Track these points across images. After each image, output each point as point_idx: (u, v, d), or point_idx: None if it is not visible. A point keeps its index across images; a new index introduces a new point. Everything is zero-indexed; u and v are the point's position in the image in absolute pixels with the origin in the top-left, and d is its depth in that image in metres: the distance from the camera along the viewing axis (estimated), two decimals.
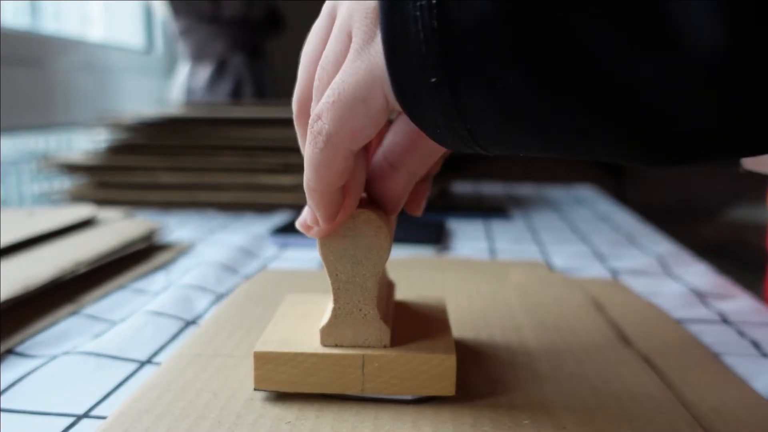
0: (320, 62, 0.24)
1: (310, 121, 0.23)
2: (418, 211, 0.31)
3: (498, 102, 0.19)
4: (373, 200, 0.28)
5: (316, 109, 0.23)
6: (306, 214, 0.27)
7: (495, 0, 0.17)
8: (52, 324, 0.38)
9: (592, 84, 0.17)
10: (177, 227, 0.68)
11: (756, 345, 0.37)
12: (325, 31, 0.25)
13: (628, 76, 0.16)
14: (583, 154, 0.20)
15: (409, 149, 0.26)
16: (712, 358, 0.34)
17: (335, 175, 0.24)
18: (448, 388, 0.27)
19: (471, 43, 0.18)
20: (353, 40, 0.22)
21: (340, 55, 0.23)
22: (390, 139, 0.27)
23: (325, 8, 0.25)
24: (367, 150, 0.27)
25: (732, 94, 0.16)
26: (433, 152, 0.27)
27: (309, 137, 0.23)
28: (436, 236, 0.63)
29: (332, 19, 0.25)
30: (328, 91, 0.22)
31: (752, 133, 0.17)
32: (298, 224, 0.27)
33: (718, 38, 0.15)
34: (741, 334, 0.38)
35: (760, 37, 0.15)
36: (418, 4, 0.18)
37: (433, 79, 0.19)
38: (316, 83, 0.24)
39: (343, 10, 0.23)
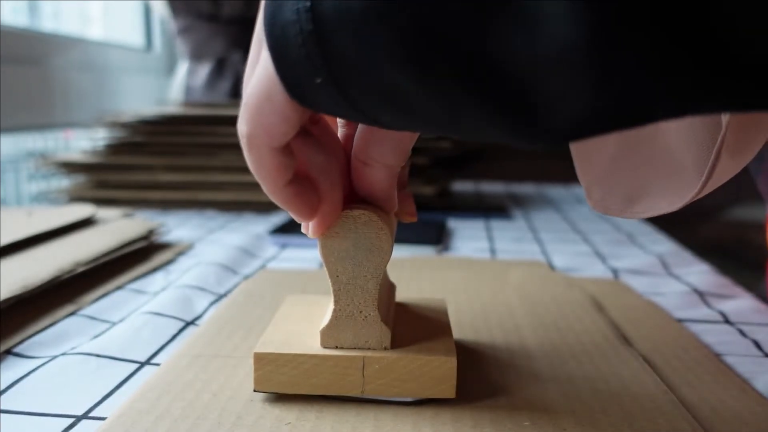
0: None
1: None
2: (412, 217, 0.31)
3: (383, 95, 0.19)
4: (366, 201, 0.28)
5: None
6: None
7: None
8: (52, 324, 0.38)
9: (463, 69, 0.17)
10: (176, 227, 0.68)
11: (757, 345, 0.37)
12: None
13: (499, 60, 0.16)
14: (471, 136, 0.20)
15: (373, 141, 0.26)
16: (714, 358, 0.34)
17: (272, 174, 0.24)
18: (449, 391, 0.27)
19: (346, 42, 0.18)
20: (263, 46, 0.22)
21: (255, 62, 0.24)
22: (356, 136, 0.27)
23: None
24: (337, 142, 0.27)
25: (596, 76, 0.16)
26: (399, 139, 0.26)
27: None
28: (436, 236, 0.63)
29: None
30: (243, 97, 0.23)
31: (622, 111, 0.17)
32: (303, 228, 0.27)
33: (580, 21, 0.15)
34: (742, 334, 0.38)
35: (620, 19, 0.15)
36: (295, 8, 0.19)
37: (318, 80, 0.20)
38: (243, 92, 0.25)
39: (258, 20, 0.24)
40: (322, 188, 0.26)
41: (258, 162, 0.24)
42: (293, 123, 0.23)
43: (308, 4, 0.19)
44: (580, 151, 0.32)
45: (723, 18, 0.14)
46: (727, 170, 0.26)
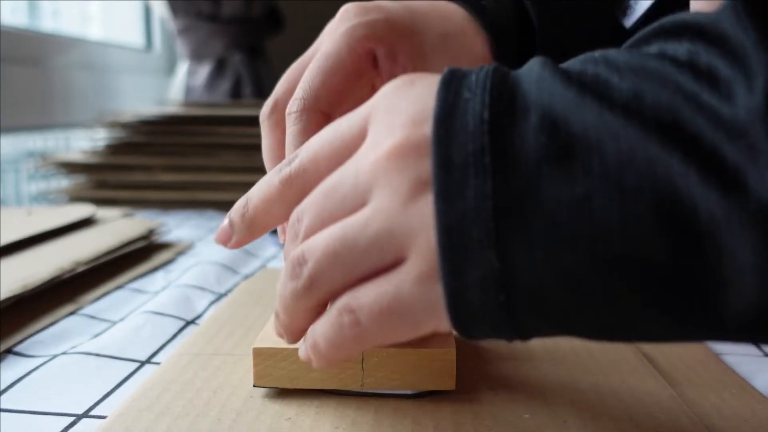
0: (315, 141, 0.22)
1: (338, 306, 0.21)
2: None
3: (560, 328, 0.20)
4: None
5: (351, 301, 0.21)
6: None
7: (555, 265, 0.18)
8: (52, 324, 0.38)
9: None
10: (176, 227, 0.68)
11: (757, 344, 0.37)
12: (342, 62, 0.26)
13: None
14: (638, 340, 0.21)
15: None
16: (714, 357, 0.34)
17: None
18: (449, 383, 0.27)
19: (536, 310, 0.19)
20: (381, 192, 0.20)
21: (344, 149, 0.21)
22: None
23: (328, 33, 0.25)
24: None
25: None
26: None
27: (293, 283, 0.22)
28: None
29: (356, 54, 0.25)
30: (377, 297, 0.20)
31: None
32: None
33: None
34: None
35: None
36: (481, 276, 0.18)
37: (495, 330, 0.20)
38: (297, 168, 0.22)
39: (373, 103, 0.21)
40: None
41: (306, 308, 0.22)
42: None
43: (497, 274, 0.18)
44: None
45: None
46: None
